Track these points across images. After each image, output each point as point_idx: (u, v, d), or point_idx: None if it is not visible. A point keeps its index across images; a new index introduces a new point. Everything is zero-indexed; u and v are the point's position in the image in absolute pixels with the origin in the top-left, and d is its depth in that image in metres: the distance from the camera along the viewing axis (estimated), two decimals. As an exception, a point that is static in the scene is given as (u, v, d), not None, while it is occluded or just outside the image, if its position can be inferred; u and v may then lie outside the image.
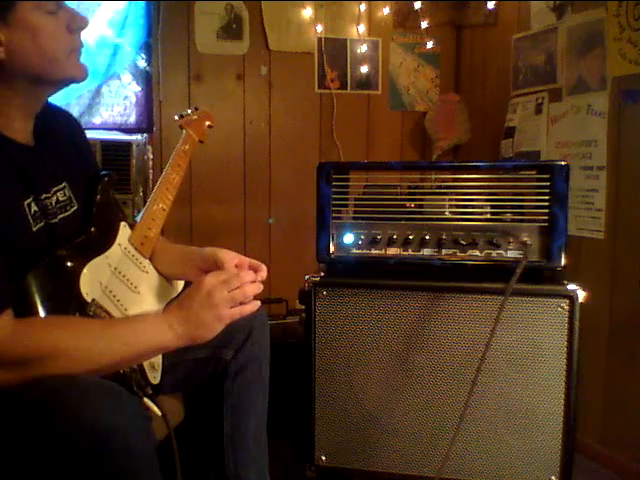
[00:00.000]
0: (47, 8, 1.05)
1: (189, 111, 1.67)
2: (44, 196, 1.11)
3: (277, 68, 2.81)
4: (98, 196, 1.26)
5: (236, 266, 1.25)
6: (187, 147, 1.54)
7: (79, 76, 1.14)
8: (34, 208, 1.08)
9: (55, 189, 1.16)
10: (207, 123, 1.68)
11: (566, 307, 1.47)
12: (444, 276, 1.56)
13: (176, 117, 1.64)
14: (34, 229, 1.07)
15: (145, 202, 1.43)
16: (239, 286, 1.12)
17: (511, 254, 1.53)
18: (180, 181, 1.46)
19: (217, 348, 1.33)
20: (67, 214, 1.17)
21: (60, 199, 1.17)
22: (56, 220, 1.14)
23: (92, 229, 1.21)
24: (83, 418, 0.85)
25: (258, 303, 1.17)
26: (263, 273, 1.25)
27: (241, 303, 1.12)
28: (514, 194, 1.59)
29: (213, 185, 2.75)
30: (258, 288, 1.16)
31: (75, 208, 1.21)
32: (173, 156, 1.49)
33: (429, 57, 3.00)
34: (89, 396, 0.88)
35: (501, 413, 1.52)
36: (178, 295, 1.37)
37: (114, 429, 0.86)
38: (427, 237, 1.56)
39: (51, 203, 1.14)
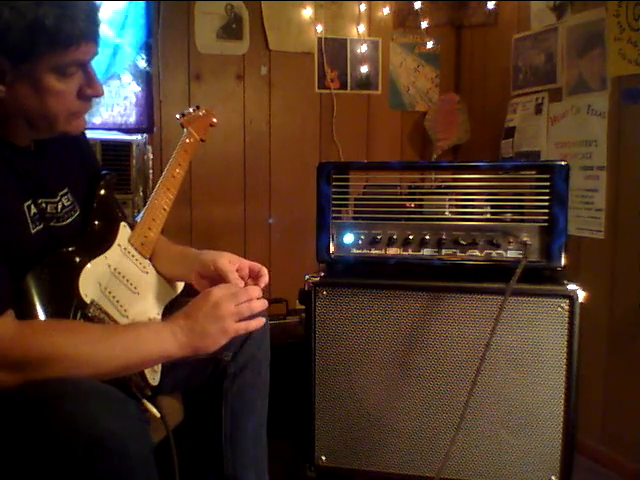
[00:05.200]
0: (64, 72, 1.02)
1: (191, 110, 1.67)
2: (42, 200, 1.11)
3: (277, 68, 2.80)
4: (98, 196, 1.26)
5: (236, 270, 1.25)
6: (188, 146, 1.54)
7: (73, 133, 1.12)
8: (33, 211, 1.08)
9: (61, 193, 1.17)
10: (209, 122, 1.68)
11: (566, 307, 1.47)
12: (444, 276, 1.56)
13: (177, 116, 1.64)
14: (32, 231, 1.07)
15: (145, 202, 1.43)
16: (246, 300, 1.12)
17: (511, 254, 1.53)
18: (181, 180, 1.46)
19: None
20: (70, 220, 1.17)
21: (66, 204, 1.17)
22: (58, 224, 1.14)
23: (92, 229, 1.21)
24: (80, 423, 0.85)
25: (264, 320, 1.18)
26: (265, 277, 1.25)
27: (247, 318, 1.13)
28: (514, 194, 1.59)
29: (213, 185, 2.75)
30: (264, 304, 1.16)
31: (78, 213, 1.21)
32: (174, 155, 1.49)
33: (429, 57, 2.99)
34: (87, 400, 0.88)
35: (501, 413, 1.52)
36: (179, 297, 1.37)
37: (111, 434, 0.86)
38: (427, 237, 1.56)
39: (56, 208, 1.14)
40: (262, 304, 1.15)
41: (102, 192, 1.28)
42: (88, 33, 1.02)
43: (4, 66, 0.98)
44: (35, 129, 1.08)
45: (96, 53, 1.07)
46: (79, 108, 1.09)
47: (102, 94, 1.10)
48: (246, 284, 1.23)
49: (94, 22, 1.04)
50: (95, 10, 1.05)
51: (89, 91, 1.08)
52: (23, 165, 1.09)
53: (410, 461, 1.57)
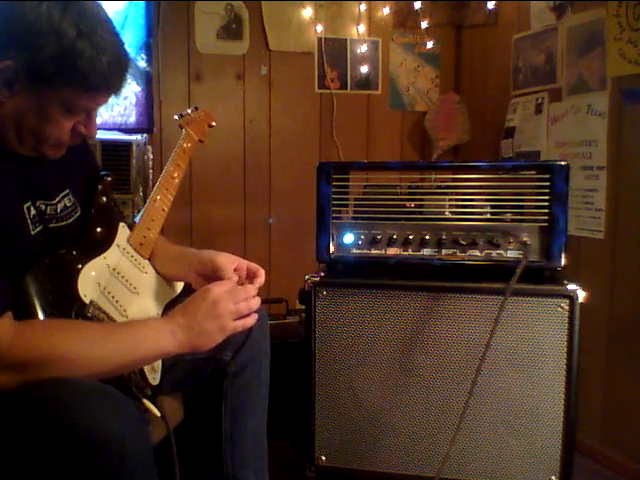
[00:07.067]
0: (71, 110, 1.03)
1: (189, 110, 1.67)
2: (40, 202, 1.11)
3: (277, 68, 2.81)
4: (97, 197, 1.26)
5: (234, 270, 1.25)
6: (187, 147, 1.54)
7: (50, 158, 1.12)
8: (33, 212, 1.08)
9: (62, 194, 1.17)
10: (207, 123, 1.68)
11: (566, 307, 1.47)
12: (444, 276, 1.56)
13: (176, 117, 1.64)
14: (32, 233, 1.07)
15: (145, 202, 1.43)
16: (244, 299, 1.14)
17: (511, 254, 1.53)
18: (180, 181, 1.46)
19: (216, 349, 1.32)
20: (71, 221, 1.18)
21: (67, 205, 1.18)
22: (57, 225, 1.14)
23: (91, 230, 1.21)
24: (80, 423, 0.85)
25: (256, 316, 1.19)
26: (261, 279, 1.26)
27: (243, 315, 1.14)
28: (514, 194, 1.59)
29: (213, 185, 2.75)
30: (258, 301, 1.18)
31: (79, 214, 1.21)
32: (173, 156, 1.49)
33: (429, 57, 2.99)
34: (87, 401, 0.88)
35: (501, 413, 1.52)
36: (178, 297, 1.37)
37: (110, 434, 0.86)
38: (427, 237, 1.56)
39: (55, 209, 1.14)
40: (257, 301, 1.17)
41: (101, 193, 1.28)
42: (112, 87, 1.05)
43: (19, 76, 0.98)
44: (20, 141, 1.07)
45: (107, 102, 1.08)
46: (68, 141, 1.10)
47: (94, 137, 1.12)
48: (243, 284, 1.23)
49: (122, 77, 1.06)
50: (127, 64, 1.07)
51: (83, 130, 1.09)
52: (22, 166, 1.09)
53: (410, 461, 1.57)
